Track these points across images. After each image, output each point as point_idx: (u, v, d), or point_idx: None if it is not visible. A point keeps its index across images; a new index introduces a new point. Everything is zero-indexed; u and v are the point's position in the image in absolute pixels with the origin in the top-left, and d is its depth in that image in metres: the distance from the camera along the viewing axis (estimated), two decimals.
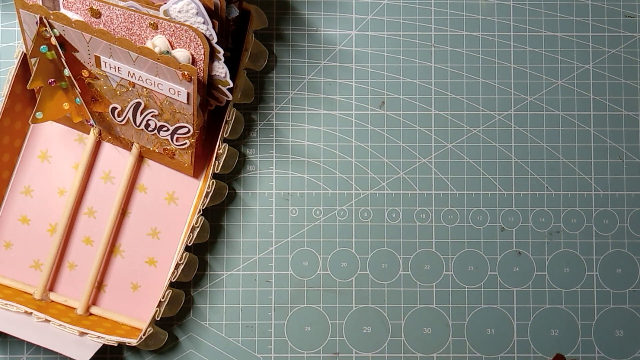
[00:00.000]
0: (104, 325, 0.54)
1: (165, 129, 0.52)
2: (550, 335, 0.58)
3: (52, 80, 0.51)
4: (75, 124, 0.56)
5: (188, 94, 0.48)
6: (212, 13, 0.47)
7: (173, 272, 0.53)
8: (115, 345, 0.52)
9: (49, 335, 0.51)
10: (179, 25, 0.46)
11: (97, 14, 0.47)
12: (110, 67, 0.49)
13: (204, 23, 0.47)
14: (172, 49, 0.47)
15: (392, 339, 0.57)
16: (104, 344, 0.52)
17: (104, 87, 0.51)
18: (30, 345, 0.56)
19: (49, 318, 0.52)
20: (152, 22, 0.46)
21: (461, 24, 0.59)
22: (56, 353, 0.56)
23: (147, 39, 0.48)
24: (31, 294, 0.55)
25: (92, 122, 0.55)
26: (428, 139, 0.58)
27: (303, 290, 0.57)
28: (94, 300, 0.56)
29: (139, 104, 0.51)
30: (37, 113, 0.52)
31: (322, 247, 0.58)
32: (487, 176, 0.58)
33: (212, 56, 0.48)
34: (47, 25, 0.47)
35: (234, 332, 0.57)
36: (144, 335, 0.52)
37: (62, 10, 0.48)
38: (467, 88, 0.59)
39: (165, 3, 0.47)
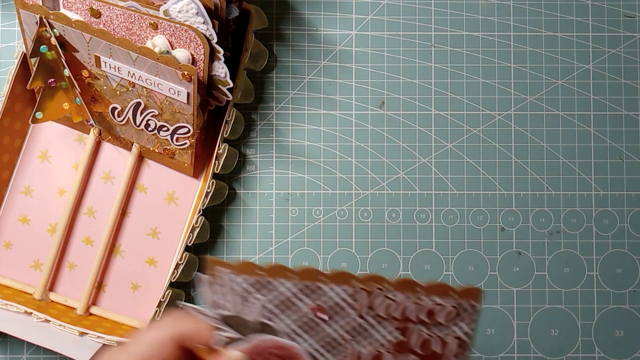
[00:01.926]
0: (104, 325, 0.54)
1: (165, 129, 0.52)
2: (550, 335, 0.58)
3: (52, 80, 0.51)
4: (75, 124, 0.56)
5: (188, 94, 0.48)
6: (212, 13, 0.47)
7: (173, 272, 0.53)
8: (115, 345, 0.52)
9: (49, 335, 0.51)
10: (179, 25, 0.46)
11: (97, 14, 0.47)
12: (110, 67, 0.49)
13: (204, 23, 0.47)
14: (172, 49, 0.47)
15: None
16: (103, 344, 0.52)
17: (104, 87, 0.51)
18: (30, 345, 0.56)
19: (49, 318, 0.52)
20: (152, 22, 0.46)
21: (461, 24, 0.59)
22: (56, 353, 0.56)
23: (147, 39, 0.48)
24: (31, 294, 0.55)
25: (92, 122, 0.55)
26: (428, 139, 0.58)
27: None
28: (94, 300, 0.56)
29: (139, 104, 0.51)
30: (37, 113, 0.52)
31: (322, 247, 0.58)
32: (487, 176, 0.58)
33: (212, 56, 0.48)
34: (47, 25, 0.47)
35: None
36: None
37: (62, 10, 0.48)
38: (467, 88, 0.59)
39: (165, 3, 0.47)
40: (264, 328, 0.34)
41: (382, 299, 0.33)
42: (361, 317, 0.33)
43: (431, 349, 0.33)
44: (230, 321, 0.34)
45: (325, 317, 0.33)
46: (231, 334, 0.34)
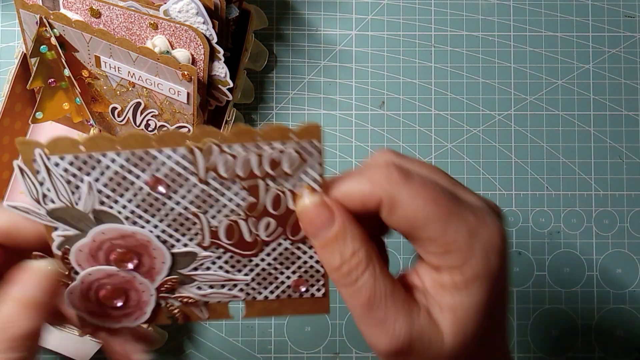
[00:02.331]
0: None
1: (165, 129, 0.52)
2: (550, 335, 0.58)
3: (52, 80, 0.51)
4: (75, 124, 0.56)
5: (188, 94, 0.48)
6: (212, 13, 0.47)
7: None
8: None
9: (49, 335, 0.51)
10: (179, 25, 0.46)
11: (97, 14, 0.47)
12: (110, 67, 0.49)
13: (204, 23, 0.47)
14: (172, 49, 0.47)
15: None
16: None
17: (104, 87, 0.51)
18: None
19: None
20: (152, 22, 0.46)
21: (461, 24, 0.59)
22: (56, 353, 0.56)
23: (147, 39, 0.48)
24: None
25: (92, 122, 0.55)
26: (428, 139, 0.58)
27: None
28: None
29: (139, 104, 0.51)
30: (37, 113, 0.52)
31: None
32: (487, 176, 0.58)
33: (212, 56, 0.48)
34: (47, 25, 0.47)
35: (234, 332, 0.57)
36: None
37: (62, 10, 0.48)
38: (467, 88, 0.59)
39: (165, 3, 0.47)
40: (100, 216, 0.29)
41: (221, 155, 0.28)
42: (204, 182, 0.29)
43: (284, 205, 0.30)
44: (61, 215, 0.29)
45: (163, 190, 0.29)
46: (65, 231, 0.29)
